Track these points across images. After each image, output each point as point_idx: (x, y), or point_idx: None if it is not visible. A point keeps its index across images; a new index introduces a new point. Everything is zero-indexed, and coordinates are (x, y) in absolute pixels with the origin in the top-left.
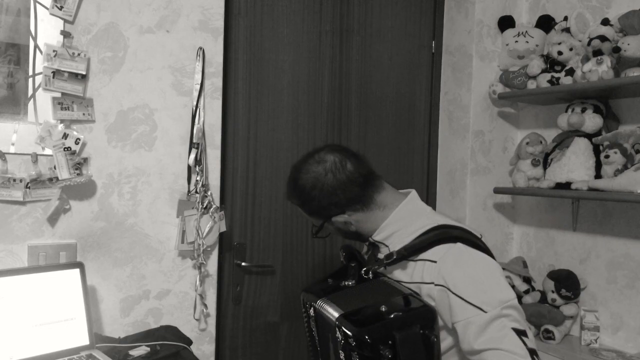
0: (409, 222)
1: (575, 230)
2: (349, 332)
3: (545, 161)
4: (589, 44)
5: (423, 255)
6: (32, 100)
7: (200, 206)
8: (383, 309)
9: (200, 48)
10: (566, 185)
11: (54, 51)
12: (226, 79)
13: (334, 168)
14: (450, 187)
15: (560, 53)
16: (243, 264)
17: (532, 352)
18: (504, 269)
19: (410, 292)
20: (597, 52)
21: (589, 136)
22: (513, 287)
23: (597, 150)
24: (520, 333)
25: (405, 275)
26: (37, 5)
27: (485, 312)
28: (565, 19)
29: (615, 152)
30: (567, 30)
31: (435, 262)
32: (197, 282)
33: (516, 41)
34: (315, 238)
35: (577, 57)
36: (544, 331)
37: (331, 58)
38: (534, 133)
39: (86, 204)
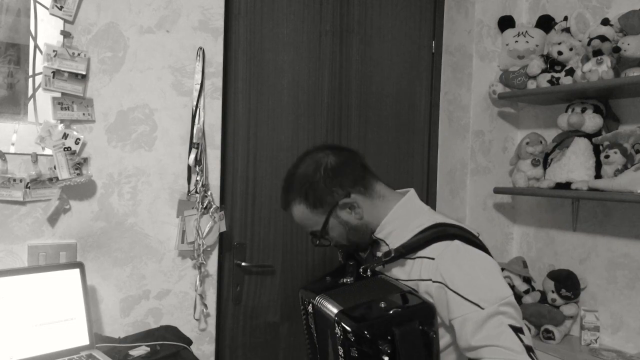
0: (407, 220)
1: (575, 230)
2: (348, 328)
3: (545, 161)
4: (589, 44)
5: (421, 253)
6: (32, 100)
7: (200, 206)
8: (382, 305)
9: (200, 48)
10: (566, 185)
11: (54, 51)
12: (226, 79)
13: (335, 152)
14: (450, 187)
15: (560, 53)
16: (243, 264)
17: (529, 349)
18: (503, 269)
19: (409, 289)
20: (597, 52)
21: (589, 136)
22: (513, 287)
23: (597, 150)
24: (517, 330)
25: (403, 273)
26: (37, 5)
27: (483, 308)
28: (565, 19)
29: (615, 152)
30: (567, 30)
31: (433, 259)
32: (197, 282)
33: (516, 41)
34: (317, 246)
35: (577, 57)
36: (544, 331)
37: (331, 58)
38: (534, 133)
39: (86, 204)
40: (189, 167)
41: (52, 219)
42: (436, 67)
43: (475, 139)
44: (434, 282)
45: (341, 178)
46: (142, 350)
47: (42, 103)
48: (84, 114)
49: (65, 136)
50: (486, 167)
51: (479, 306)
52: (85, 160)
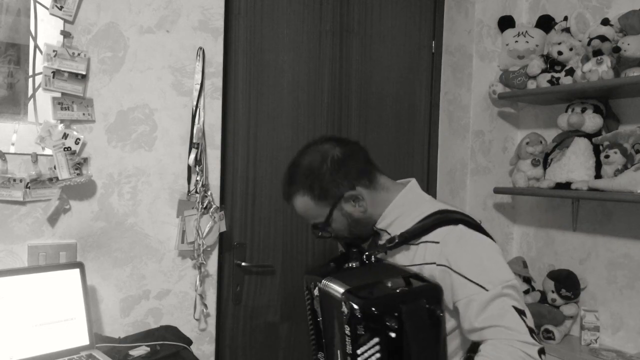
0: (410, 208)
1: (575, 230)
2: (355, 305)
3: (545, 161)
4: (589, 44)
5: (425, 238)
6: (32, 100)
7: (200, 206)
8: (389, 284)
9: (200, 48)
10: (566, 185)
11: (54, 51)
12: (226, 79)
13: (341, 144)
14: (450, 187)
15: (560, 53)
16: (243, 264)
17: (531, 331)
18: None
19: (414, 272)
20: (597, 52)
21: (589, 136)
22: None
23: (597, 150)
24: (520, 312)
25: (407, 259)
26: (37, 5)
27: (487, 290)
28: (565, 19)
29: (615, 152)
30: (567, 30)
31: (437, 242)
32: (197, 282)
33: (516, 41)
34: (319, 238)
35: (577, 57)
36: (544, 331)
37: (331, 58)
38: (534, 133)
39: (86, 204)
40: (189, 167)
41: (52, 219)
42: (436, 67)
43: (475, 139)
44: (438, 265)
45: (347, 170)
46: (142, 350)
47: (42, 103)
48: (84, 114)
49: (65, 136)
50: (486, 167)
51: (483, 288)
52: (85, 160)
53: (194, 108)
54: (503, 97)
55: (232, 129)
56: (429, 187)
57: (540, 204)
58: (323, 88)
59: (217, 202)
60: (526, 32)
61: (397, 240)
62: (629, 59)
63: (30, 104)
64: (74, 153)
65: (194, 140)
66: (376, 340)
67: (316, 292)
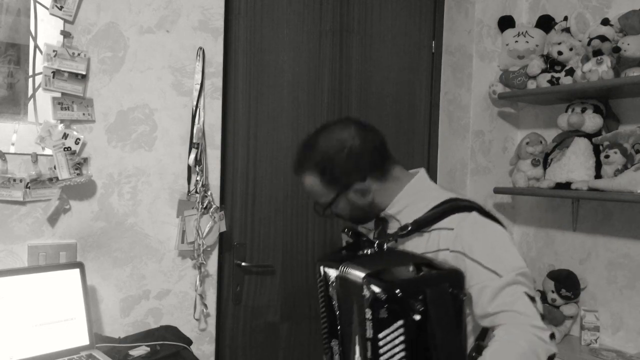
0: (421, 196)
1: (575, 230)
2: (378, 288)
3: (545, 161)
4: (589, 44)
5: (438, 225)
6: (32, 100)
7: (200, 206)
8: (410, 268)
9: (200, 48)
10: (566, 185)
11: (54, 51)
12: (226, 79)
13: (361, 133)
14: (450, 187)
15: (560, 53)
16: (243, 264)
17: (542, 316)
18: None
19: (431, 258)
20: (597, 52)
21: (589, 136)
22: None
23: (597, 150)
24: (531, 299)
25: (419, 246)
26: (37, 5)
27: (501, 276)
28: (565, 19)
29: (615, 152)
30: (567, 30)
31: (452, 229)
32: (197, 282)
33: (516, 41)
34: (322, 216)
35: (577, 57)
36: None
37: (331, 58)
38: (534, 133)
39: (86, 204)
40: (189, 167)
41: (52, 219)
42: (436, 67)
43: (475, 139)
44: (451, 251)
45: (361, 163)
46: (142, 350)
47: (42, 103)
48: (84, 114)
49: (65, 136)
50: (486, 167)
51: (497, 274)
52: (85, 160)
53: (194, 108)
54: (503, 97)
55: (232, 129)
56: None
57: (540, 204)
58: (323, 88)
59: (217, 202)
60: (526, 32)
61: (410, 228)
62: (629, 59)
63: (30, 104)
64: (74, 153)
65: (194, 140)
66: (400, 322)
67: (332, 278)
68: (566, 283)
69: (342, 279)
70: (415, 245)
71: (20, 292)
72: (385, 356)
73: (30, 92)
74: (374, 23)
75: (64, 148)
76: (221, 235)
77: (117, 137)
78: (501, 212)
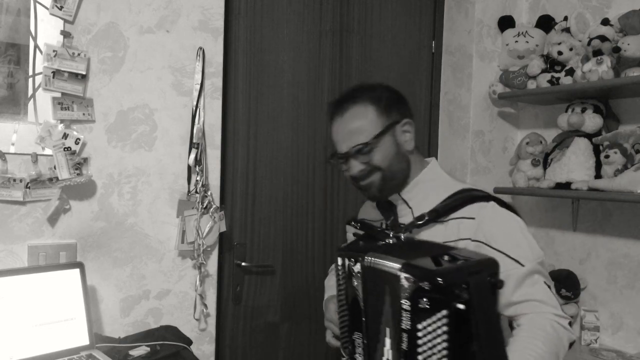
0: (435, 184)
1: (575, 230)
2: (419, 278)
3: (545, 161)
4: (589, 44)
5: (456, 215)
6: (32, 100)
7: (200, 206)
8: (446, 258)
9: (200, 48)
10: (566, 185)
11: (54, 51)
12: (226, 79)
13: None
14: None
15: (560, 53)
16: (243, 264)
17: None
18: None
19: (457, 247)
20: (597, 52)
21: (589, 136)
22: None
23: (597, 150)
24: (549, 287)
25: (436, 236)
26: (37, 5)
27: (523, 265)
28: (565, 19)
29: (615, 152)
30: (567, 30)
31: (473, 219)
32: (197, 282)
33: (516, 41)
34: (360, 154)
35: (577, 57)
36: None
37: (331, 58)
38: (534, 133)
39: (86, 204)
40: (189, 167)
41: (52, 219)
42: (436, 67)
43: (475, 139)
44: (473, 240)
45: (404, 102)
46: (142, 350)
47: (42, 103)
48: (84, 114)
49: (65, 136)
50: (486, 167)
51: (519, 263)
52: (85, 160)
53: (194, 108)
54: (503, 97)
55: (232, 129)
56: None
57: (540, 204)
58: (323, 88)
59: (217, 202)
60: (526, 32)
61: (427, 218)
62: (629, 59)
63: (30, 104)
64: (74, 153)
65: (194, 140)
66: (444, 312)
67: (357, 268)
68: (566, 283)
69: (370, 270)
70: (432, 234)
71: (20, 292)
72: (424, 347)
73: (30, 92)
74: (374, 23)
75: (64, 148)
76: (221, 235)
77: (117, 137)
78: None
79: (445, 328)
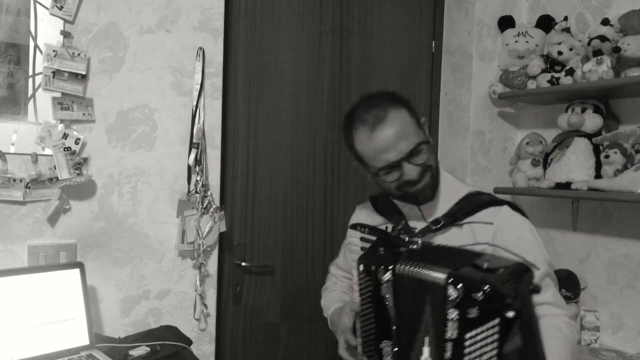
0: (443, 187)
1: (575, 230)
2: (472, 286)
3: (545, 161)
4: (589, 44)
5: (472, 219)
6: (32, 100)
7: (200, 206)
8: (485, 265)
9: (200, 48)
10: (566, 185)
11: (54, 51)
12: (226, 79)
13: None
14: None
15: (560, 53)
16: (243, 264)
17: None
18: None
19: (485, 252)
20: (597, 52)
21: (589, 136)
22: None
23: (597, 150)
24: (558, 289)
25: (452, 240)
26: (37, 5)
27: (538, 268)
28: (565, 19)
29: (615, 152)
30: (567, 30)
31: (491, 223)
32: (197, 282)
33: (516, 41)
34: (414, 156)
35: (577, 57)
36: None
37: (331, 58)
38: (534, 133)
39: (86, 204)
40: (189, 167)
41: (52, 219)
42: (436, 67)
43: (475, 139)
44: (491, 245)
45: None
46: (142, 350)
47: (42, 103)
48: (84, 114)
49: (65, 136)
50: (486, 167)
51: (535, 266)
52: (85, 160)
53: (194, 108)
54: (503, 97)
55: (232, 129)
56: None
57: (540, 204)
58: (323, 88)
59: (217, 202)
60: (526, 32)
61: (443, 222)
62: (629, 59)
63: (30, 104)
64: (74, 153)
65: (194, 140)
66: (496, 321)
67: (387, 277)
68: (566, 283)
69: (407, 278)
70: (447, 238)
71: (20, 292)
72: (471, 356)
73: (30, 92)
74: (374, 23)
75: (64, 148)
76: (221, 235)
77: (117, 137)
78: None
79: (496, 336)
